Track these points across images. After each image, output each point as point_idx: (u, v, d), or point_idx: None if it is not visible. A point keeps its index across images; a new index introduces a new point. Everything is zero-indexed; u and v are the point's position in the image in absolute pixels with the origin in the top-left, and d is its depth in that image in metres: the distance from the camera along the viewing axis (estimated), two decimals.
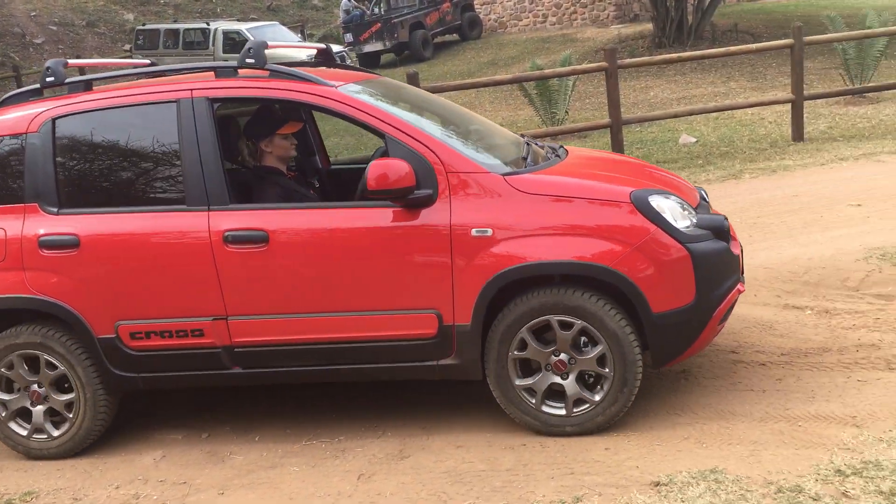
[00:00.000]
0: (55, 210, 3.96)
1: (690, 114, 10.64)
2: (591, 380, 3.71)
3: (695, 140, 10.50)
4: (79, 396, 4.04)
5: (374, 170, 3.53)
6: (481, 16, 24.79)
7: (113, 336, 3.95)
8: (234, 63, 4.00)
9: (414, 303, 3.71)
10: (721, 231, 3.75)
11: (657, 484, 3.20)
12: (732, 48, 10.70)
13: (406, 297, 3.72)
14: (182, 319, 3.89)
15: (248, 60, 3.94)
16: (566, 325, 3.60)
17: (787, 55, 9.56)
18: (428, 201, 3.63)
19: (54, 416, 4.13)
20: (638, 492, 3.18)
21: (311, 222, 3.80)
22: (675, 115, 10.63)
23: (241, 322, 3.86)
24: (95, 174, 4.09)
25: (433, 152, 3.69)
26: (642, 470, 3.34)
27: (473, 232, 3.59)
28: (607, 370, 3.62)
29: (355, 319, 3.78)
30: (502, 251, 3.58)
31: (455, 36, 24.41)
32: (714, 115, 11.60)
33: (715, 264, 3.68)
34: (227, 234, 3.78)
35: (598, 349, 3.60)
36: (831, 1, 21.52)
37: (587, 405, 3.68)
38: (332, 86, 3.85)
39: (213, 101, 3.91)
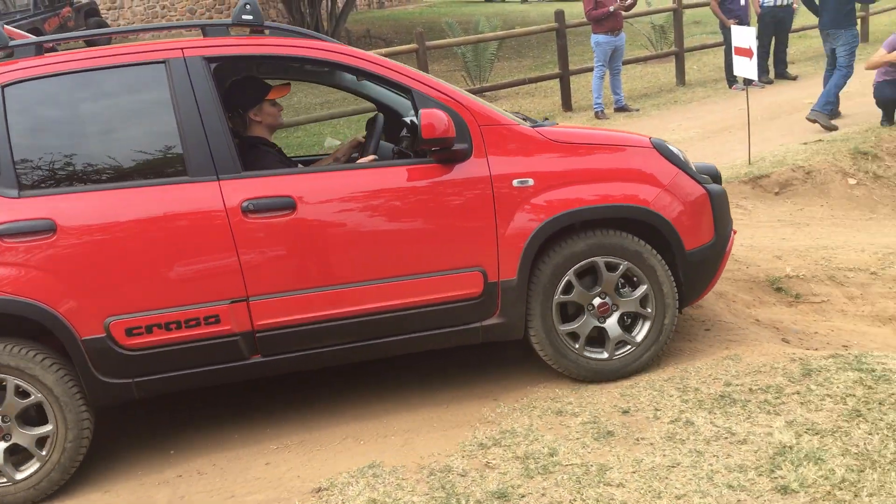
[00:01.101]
0: (15, 193, 3.27)
1: (332, 118, 10.90)
2: (629, 321, 3.74)
3: (339, 143, 10.79)
4: (56, 425, 3.31)
5: (427, 118, 3.29)
6: (109, 21, 23.13)
7: (103, 335, 3.31)
8: (227, 21, 3.57)
9: (456, 262, 3.53)
10: (717, 176, 4.04)
11: (319, 490, 3.19)
12: None
13: (448, 257, 3.53)
14: (192, 307, 3.36)
15: (246, 17, 3.52)
16: (612, 267, 3.62)
17: (415, 59, 10.23)
18: (465, 155, 3.50)
19: (14, 455, 3.32)
20: (300, 501, 3.14)
21: (341, 184, 3.48)
22: (318, 120, 10.82)
23: (265, 302, 3.41)
24: (67, 148, 3.41)
25: (462, 105, 3.56)
26: (304, 478, 3.31)
27: (515, 182, 3.52)
28: (649, 310, 3.69)
29: (393, 286, 3.50)
30: (546, 199, 3.54)
31: (82, 43, 22.52)
32: (355, 117, 12.01)
33: (723, 204, 3.89)
34: (245, 203, 3.36)
35: (642, 289, 3.67)
36: (450, 9, 23.42)
37: (628, 347, 3.71)
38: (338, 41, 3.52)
39: (209, 60, 3.48)
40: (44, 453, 3.32)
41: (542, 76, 12.25)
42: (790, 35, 11.79)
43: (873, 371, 3.48)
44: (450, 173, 3.50)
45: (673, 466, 2.99)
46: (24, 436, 3.32)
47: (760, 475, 2.86)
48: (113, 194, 3.36)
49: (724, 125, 9.27)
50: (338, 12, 18.09)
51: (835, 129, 8.18)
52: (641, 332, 3.73)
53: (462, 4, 23.94)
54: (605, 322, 3.69)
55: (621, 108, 10.80)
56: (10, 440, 3.31)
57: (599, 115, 10.59)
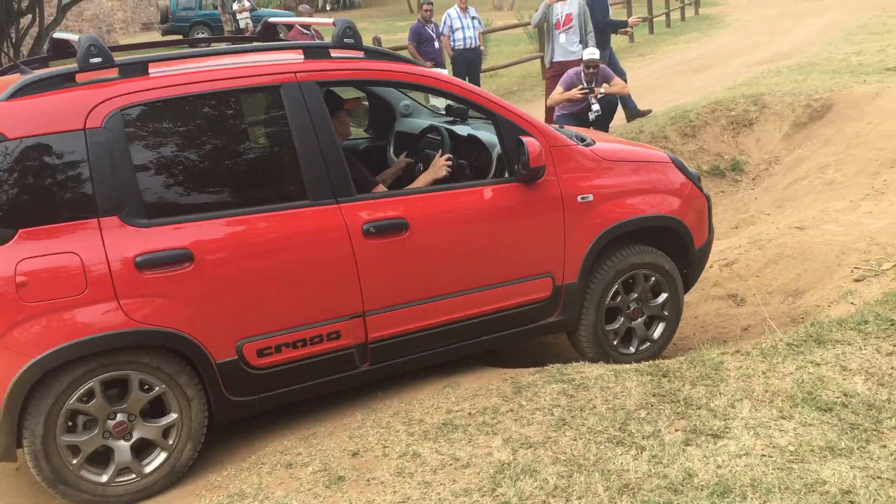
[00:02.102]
0: (146, 222, 3.21)
1: None
2: (649, 322, 4.44)
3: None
4: (180, 430, 3.38)
5: (532, 148, 3.72)
6: None
7: (235, 358, 3.40)
8: (328, 43, 3.72)
9: (535, 270, 3.99)
10: (699, 180, 4.60)
11: None
12: None
13: (528, 266, 3.97)
14: (317, 325, 3.53)
15: (347, 41, 3.67)
16: (647, 278, 4.31)
17: None
18: (542, 174, 3.87)
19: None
20: None
21: (446, 205, 3.78)
22: None
23: (379, 316, 3.66)
24: (189, 174, 3.40)
25: (536, 129, 3.94)
26: None
27: (579, 198, 4.01)
28: (667, 313, 4.41)
29: (485, 294, 3.88)
30: (602, 213, 4.07)
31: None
32: None
33: (710, 206, 4.61)
34: (366, 226, 3.55)
35: (664, 297, 4.39)
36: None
37: (648, 344, 4.42)
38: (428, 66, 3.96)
39: (322, 84, 3.58)
40: (170, 442, 3.39)
41: None
42: (481, 75, 12.74)
43: (573, 381, 3.81)
44: (530, 192, 3.92)
45: (404, 502, 3.03)
46: (150, 430, 3.35)
47: (483, 495, 2.99)
48: (240, 221, 3.40)
49: None
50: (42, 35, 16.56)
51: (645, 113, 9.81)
52: (657, 331, 4.47)
53: (161, 49, 23.03)
54: (632, 323, 4.38)
55: None
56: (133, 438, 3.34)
57: None
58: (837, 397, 3.39)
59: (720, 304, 5.69)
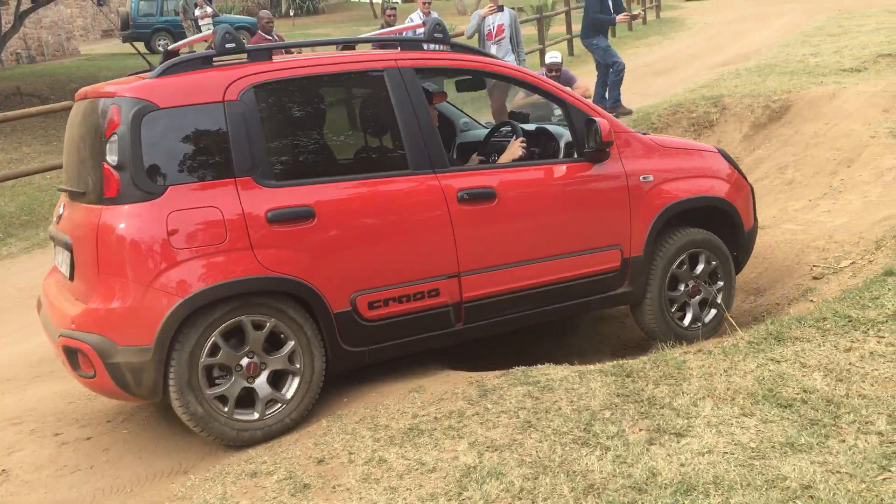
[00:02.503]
0: (274, 183, 3.64)
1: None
2: (700, 296, 4.72)
3: None
4: (303, 376, 3.72)
5: (603, 126, 4.14)
6: None
7: (349, 309, 3.75)
8: (422, 38, 4.29)
9: (605, 241, 4.36)
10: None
11: None
12: (10, 113, 10.17)
13: (599, 237, 4.34)
14: (419, 282, 3.87)
15: (437, 35, 4.19)
16: (709, 260, 4.69)
17: None
18: (608, 155, 4.31)
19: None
20: None
21: (527, 178, 4.20)
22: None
23: (472, 277, 3.99)
24: (309, 143, 3.91)
25: (600, 115, 4.31)
26: None
27: (641, 178, 4.40)
28: (720, 301, 4.74)
29: (562, 262, 4.24)
30: (662, 192, 4.47)
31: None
32: (9, 183, 10.84)
33: (754, 195, 5.04)
34: (460, 193, 3.92)
35: (721, 284, 4.76)
36: (110, 62, 22.16)
37: (699, 324, 4.70)
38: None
39: (418, 70, 4.03)
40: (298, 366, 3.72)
41: None
42: None
43: (538, 382, 3.82)
44: (598, 169, 4.33)
45: None
46: (276, 361, 3.67)
47: (450, 500, 2.99)
48: (354, 185, 3.83)
49: None
50: None
51: (629, 112, 9.98)
52: (709, 316, 4.77)
53: (124, 57, 22.76)
54: (690, 300, 4.71)
55: None
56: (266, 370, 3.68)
57: None
58: (797, 394, 3.44)
59: None
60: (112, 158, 3.48)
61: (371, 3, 37.50)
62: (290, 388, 3.72)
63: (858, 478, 2.83)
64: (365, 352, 3.88)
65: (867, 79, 9.61)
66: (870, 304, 4.19)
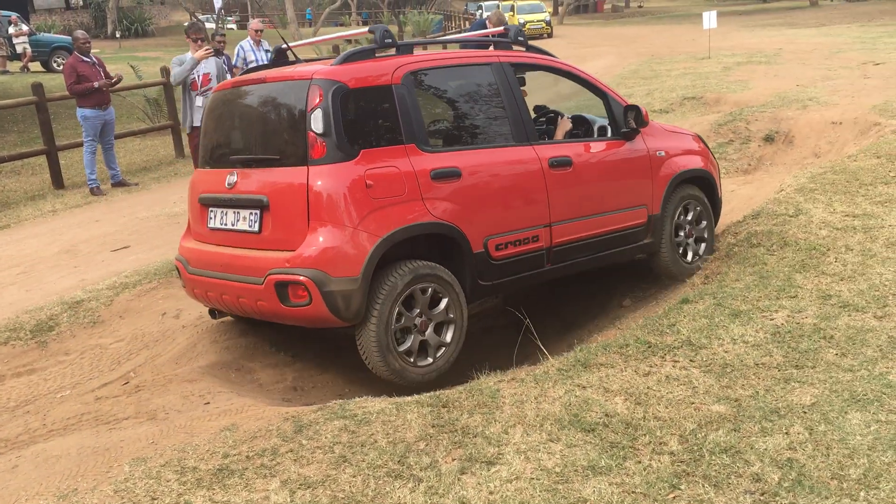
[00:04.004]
0: (429, 148, 4.53)
1: None
2: (693, 238, 5.92)
3: None
4: (457, 323, 4.59)
5: (644, 110, 5.43)
6: None
7: (482, 251, 4.63)
8: (509, 40, 5.44)
9: (637, 202, 5.48)
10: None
11: None
12: None
13: (634, 198, 5.46)
14: (527, 229, 4.84)
15: (520, 38, 5.46)
16: (695, 207, 5.88)
17: None
18: (636, 135, 5.48)
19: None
20: None
21: (590, 150, 5.29)
22: None
23: (558, 227, 4.99)
24: (444, 118, 5.04)
25: (630, 104, 5.47)
26: None
27: (657, 153, 5.58)
28: (706, 235, 5.98)
29: (611, 217, 5.29)
30: (671, 164, 5.66)
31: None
32: None
33: (719, 168, 6.48)
34: (551, 160, 4.97)
35: (705, 223, 5.98)
36: None
37: (698, 257, 5.90)
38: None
39: (512, 66, 5.11)
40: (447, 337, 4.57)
41: (25, 153, 11.26)
42: None
43: (356, 416, 3.79)
44: (630, 146, 5.47)
45: None
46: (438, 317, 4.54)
47: None
48: (482, 152, 4.79)
49: None
50: None
51: None
52: (702, 249, 5.95)
53: None
54: (689, 240, 5.88)
55: (119, 183, 10.41)
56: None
57: (95, 192, 10.06)
58: (600, 418, 3.61)
59: (504, 332, 5.92)
60: (317, 127, 4.27)
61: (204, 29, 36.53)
62: (448, 334, 4.59)
63: (651, 497, 2.99)
64: (490, 286, 4.80)
65: (673, 119, 10.38)
66: (667, 331, 4.47)
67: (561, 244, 5.01)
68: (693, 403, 3.67)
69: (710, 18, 17.27)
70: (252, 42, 11.71)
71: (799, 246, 5.42)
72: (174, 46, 32.20)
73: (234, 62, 11.58)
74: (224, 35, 11.91)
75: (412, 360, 4.44)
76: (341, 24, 53.43)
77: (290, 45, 5.30)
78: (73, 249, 7.65)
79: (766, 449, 3.24)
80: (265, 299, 4.34)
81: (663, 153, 5.65)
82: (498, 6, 37.50)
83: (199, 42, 8.90)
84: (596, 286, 6.23)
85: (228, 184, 4.62)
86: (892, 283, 4.63)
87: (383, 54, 4.76)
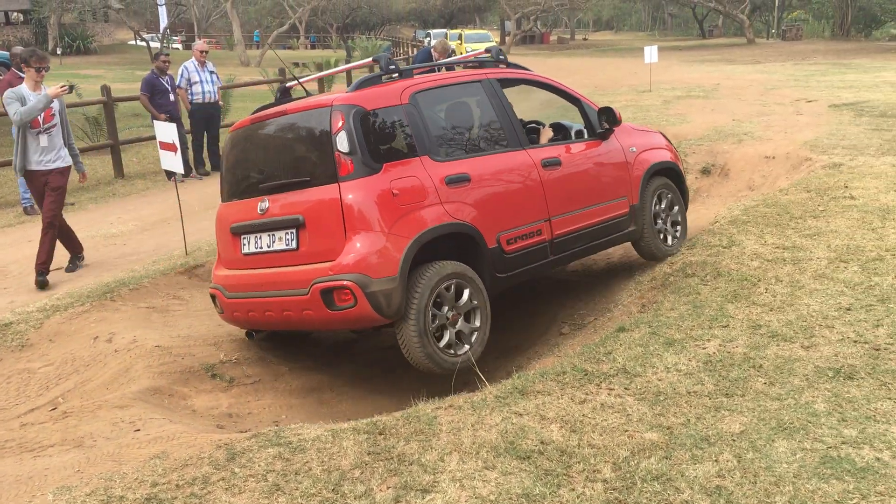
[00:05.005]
0: (440, 158, 5.03)
1: None
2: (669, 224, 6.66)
3: None
4: (482, 309, 5.04)
5: (617, 111, 6.17)
6: None
7: (496, 246, 5.16)
8: (492, 58, 6.09)
9: (619, 193, 6.12)
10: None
11: None
12: None
13: (616, 190, 6.09)
14: (531, 224, 5.39)
15: (501, 57, 6.11)
16: (667, 196, 6.60)
17: None
18: (610, 134, 6.18)
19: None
20: None
21: (575, 151, 5.95)
22: None
23: (557, 220, 5.56)
24: (448, 131, 5.34)
25: (600, 108, 6.23)
26: None
27: (630, 149, 6.26)
28: (680, 217, 6.72)
29: (598, 208, 5.93)
30: (643, 159, 6.35)
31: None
32: None
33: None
34: (543, 160, 5.56)
35: (677, 208, 6.68)
36: None
37: (674, 240, 6.62)
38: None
39: (500, 81, 5.73)
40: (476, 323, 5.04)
41: None
42: (222, 129, 12.50)
43: (290, 443, 3.74)
44: (606, 144, 6.14)
45: None
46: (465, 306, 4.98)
47: None
48: (485, 158, 5.28)
49: (163, 217, 9.34)
50: None
51: None
52: (679, 232, 6.72)
53: None
54: (666, 226, 6.59)
55: None
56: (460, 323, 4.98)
57: (29, 211, 9.81)
58: (535, 445, 3.62)
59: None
60: (343, 147, 4.72)
61: (149, 48, 36.10)
62: (477, 319, 5.03)
63: None
64: (506, 278, 5.24)
65: None
66: (604, 359, 4.53)
67: (560, 236, 5.59)
68: (627, 431, 3.71)
69: (651, 53, 17.72)
70: (197, 63, 11.62)
71: (731, 276, 5.55)
72: (117, 64, 31.74)
73: (178, 83, 11.47)
74: (168, 55, 11.77)
75: (452, 351, 4.86)
76: (289, 48, 53.35)
77: (301, 79, 5.93)
78: (3, 270, 7.43)
79: (695, 476, 3.30)
80: (311, 308, 4.71)
81: (635, 149, 6.31)
82: (446, 35, 38.01)
83: (42, 72, 7.03)
84: (536, 314, 6.28)
85: (261, 210, 5.03)
86: (819, 314, 4.77)
87: (388, 79, 5.31)
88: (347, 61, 24.32)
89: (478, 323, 5.01)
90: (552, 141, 6.22)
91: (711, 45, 43.26)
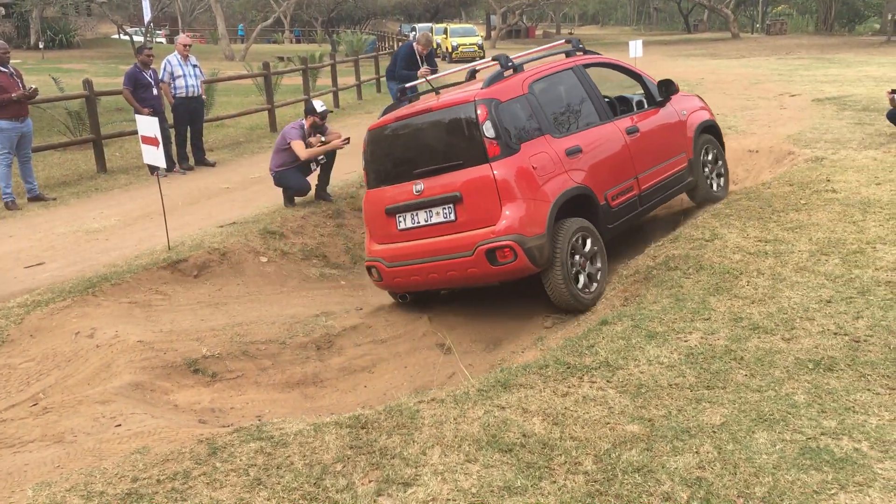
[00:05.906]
0: (559, 135, 6.12)
1: None
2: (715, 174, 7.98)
3: None
4: (601, 253, 6.16)
5: (674, 81, 7.54)
6: None
7: (605, 203, 6.27)
8: (574, 48, 7.21)
9: (679, 150, 7.34)
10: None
11: None
12: None
13: (677, 148, 7.33)
14: (625, 182, 6.52)
15: (580, 45, 7.29)
16: (712, 150, 7.87)
17: None
18: (668, 102, 7.45)
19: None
20: None
21: (645, 118, 7.09)
22: None
23: (642, 177, 6.72)
24: (559, 112, 6.39)
25: (660, 80, 7.50)
26: None
27: (682, 112, 7.53)
28: (723, 170, 8.03)
29: (667, 164, 7.12)
30: (692, 119, 7.61)
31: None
32: None
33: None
34: (626, 129, 6.72)
35: (721, 162, 8.00)
36: None
37: (718, 189, 7.89)
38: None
39: (585, 66, 6.90)
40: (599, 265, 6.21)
41: None
42: (206, 124, 12.42)
43: (272, 438, 3.73)
44: (665, 110, 7.33)
45: None
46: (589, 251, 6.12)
47: None
48: (588, 131, 6.42)
49: (146, 211, 9.27)
50: None
51: None
52: (723, 181, 7.98)
53: None
54: (712, 174, 7.82)
55: (36, 198, 10.06)
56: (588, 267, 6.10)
57: (10, 206, 9.70)
58: (517, 438, 3.63)
59: (429, 353, 5.92)
60: (490, 133, 5.73)
61: (132, 42, 35.82)
62: (598, 262, 6.12)
63: None
64: (612, 227, 6.34)
65: None
66: (586, 352, 4.54)
67: (645, 189, 6.72)
68: (608, 423, 3.72)
69: (636, 47, 17.75)
70: (180, 56, 11.54)
71: (714, 269, 5.57)
72: (100, 59, 31.47)
73: (160, 77, 11.39)
74: (152, 49, 11.67)
75: (587, 290, 5.93)
76: (274, 42, 53.06)
77: (428, 78, 7.33)
78: None
79: (676, 468, 3.31)
80: (476, 266, 5.72)
81: (685, 112, 7.52)
82: (431, 29, 37.86)
83: None
84: (520, 307, 6.29)
85: (416, 191, 5.97)
86: (800, 307, 4.80)
87: (508, 74, 6.32)
88: (332, 55, 24.16)
89: (599, 264, 6.13)
90: (622, 112, 7.25)
91: (696, 40, 43.37)
